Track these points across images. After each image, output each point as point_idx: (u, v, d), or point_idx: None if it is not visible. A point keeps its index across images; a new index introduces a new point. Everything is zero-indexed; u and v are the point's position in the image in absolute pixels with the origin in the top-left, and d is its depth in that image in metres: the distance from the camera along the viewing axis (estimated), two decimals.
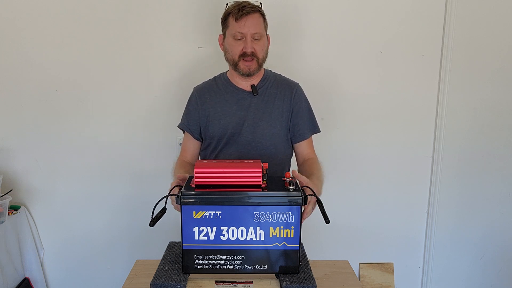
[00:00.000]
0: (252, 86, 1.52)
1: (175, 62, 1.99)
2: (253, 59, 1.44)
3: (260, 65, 1.47)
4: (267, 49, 1.51)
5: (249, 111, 1.50)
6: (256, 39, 1.43)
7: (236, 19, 1.41)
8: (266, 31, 1.50)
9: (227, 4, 1.48)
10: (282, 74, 1.62)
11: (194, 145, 1.58)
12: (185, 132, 1.59)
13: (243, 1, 1.45)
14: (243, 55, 1.43)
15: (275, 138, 1.51)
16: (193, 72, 1.95)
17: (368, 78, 2.06)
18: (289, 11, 1.97)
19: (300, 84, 1.59)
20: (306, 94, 1.59)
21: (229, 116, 1.50)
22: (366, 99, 2.07)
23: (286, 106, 1.52)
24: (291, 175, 1.17)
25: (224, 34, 1.50)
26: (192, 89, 1.61)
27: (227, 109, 1.51)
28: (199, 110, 1.54)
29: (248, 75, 1.47)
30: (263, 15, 1.47)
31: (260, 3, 1.48)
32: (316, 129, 1.60)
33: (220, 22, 1.51)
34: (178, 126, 1.60)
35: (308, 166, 1.48)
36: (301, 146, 1.56)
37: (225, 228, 1.07)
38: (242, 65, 1.44)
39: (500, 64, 2.07)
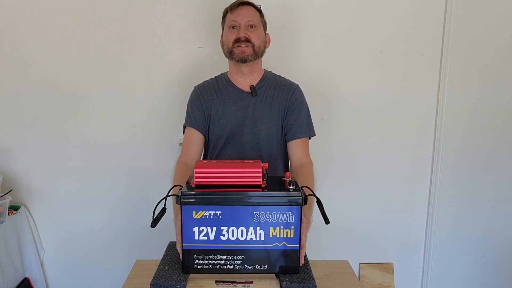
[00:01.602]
0: (251, 87, 1.52)
1: (175, 62, 1.99)
2: (248, 45, 1.43)
3: (256, 53, 1.46)
4: (265, 42, 1.51)
5: (247, 112, 1.50)
6: (250, 26, 1.44)
7: (231, 10, 1.46)
8: (264, 28, 1.52)
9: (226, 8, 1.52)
10: (283, 75, 1.61)
11: (199, 140, 1.53)
12: (188, 129, 1.55)
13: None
14: (237, 41, 1.43)
15: (272, 139, 1.51)
16: (193, 72, 1.95)
17: (368, 78, 2.06)
18: (289, 12, 1.97)
19: (300, 85, 1.59)
20: (306, 95, 1.58)
21: (229, 116, 1.50)
22: (366, 99, 2.07)
23: (282, 107, 1.52)
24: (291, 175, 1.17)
25: (222, 31, 1.52)
26: (192, 89, 1.61)
27: (226, 109, 1.51)
28: (203, 108, 1.54)
29: (243, 61, 1.45)
30: (260, 12, 1.49)
31: (260, 6, 1.51)
32: (311, 132, 1.55)
33: (221, 23, 1.53)
34: (184, 125, 1.57)
35: (302, 176, 1.42)
36: (294, 146, 1.52)
37: (225, 228, 1.07)
38: (237, 50, 1.44)
39: (500, 64, 2.07)
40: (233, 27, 1.45)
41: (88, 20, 1.93)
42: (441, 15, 2.01)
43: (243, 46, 1.43)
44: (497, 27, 2.03)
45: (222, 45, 1.52)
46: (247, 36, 1.43)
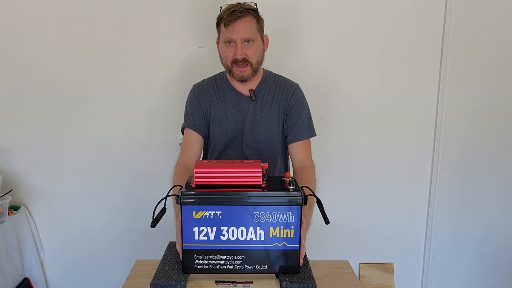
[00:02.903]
0: (251, 91, 1.50)
1: (175, 62, 1.99)
2: (246, 64, 1.41)
3: (254, 70, 1.44)
4: (263, 51, 1.48)
5: (247, 115, 1.49)
6: (247, 42, 1.40)
7: (226, 25, 1.39)
8: (261, 32, 1.47)
9: (221, 7, 1.46)
10: (282, 75, 1.61)
11: (198, 142, 1.52)
12: (187, 131, 1.53)
13: (235, 4, 1.41)
14: (235, 62, 1.41)
15: (273, 142, 1.51)
16: (193, 72, 1.94)
17: (368, 78, 2.06)
18: (289, 12, 1.97)
19: (300, 85, 1.58)
20: (306, 95, 1.58)
21: (229, 120, 1.50)
22: (366, 99, 2.07)
23: (282, 108, 1.51)
24: (291, 176, 1.17)
25: (218, 35, 1.49)
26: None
27: (226, 112, 1.50)
28: (202, 109, 1.52)
29: (243, 80, 1.44)
30: (256, 16, 1.43)
31: (255, 4, 1.45)
32: (311, 133, 1.54)
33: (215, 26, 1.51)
34: (183, 126, 1.56)
35: (303, 178, 1.41)
36: (295, 148, 1.51)
37: (225, 228, 1.07)
38: (236, 71, 1.42)
39: (500, 64, 2.07)
40: (229, 42, 1.41)
41: (88, 20, 1.93)
42: (441, 15, 2.01)
43: (241, 67, 1.41)
44: (497, 27, 2.03)
45: (220, 55, 1.49)
46: (244, 56, 1.40)
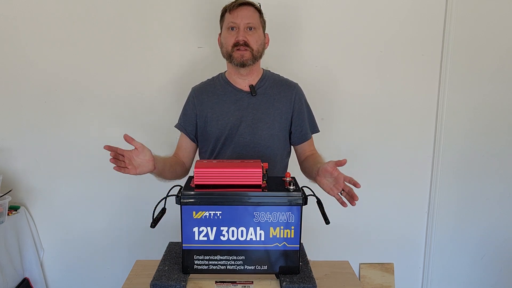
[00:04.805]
0: (251, 86, 1.51)
1: (175, 62, 1.99)
2: (246, 49, 1.43)
3: (254, 57, 1.45)
4: (264, 44, 1.50)
5: (247, 112, 1.49)
6: (249, 29, 1.44)
7: (230, 11, 1.44)
8: (263, 28, 1.51)
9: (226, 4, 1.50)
10: (282, 75, 1.61)
11: (188, 146, 1.58)
12: (181, 135, 1.58)
13: None
14: (236, 45, 1.43)
15: (273, 139, 1.51)
16: (193, 72, 1.95)
17: (368, 78, 2.06)
18: (289, 11, 1.97)
19: (299, 84, 1.59)
20: (306, 94, 1.59)
21: (227, 117, 1.50)
22: (366, 99, 2.07)
23: (286, 107, 1.52)
24: (291, 176, 1.17)
25: (221, 30, 1.52)
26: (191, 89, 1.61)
27: (225, 110, 1.50)
28: (196, 111, 1.53)
29: (242, 65, 1.45)
30: (259, 11, 1.48)
31: (259, 3, 1.49)
32: (315, 129, 1.60)
33: (219, 21, 1.53)
34: (175, 126, 1.60)
35: (313, 160, 1.48)
36: (304, 146, 1.57)
37: (225, 228, 1.07)
38: (236, 54, 1.44)
39: (500, 64, 2.07)
40: (232, 29, 1.44)
41: (88, 20, 1.93)
42: (441, 15, 2.01)
43: (242, 50, 1.43)
44: (497, 27, 2.03)
45: (221, 45, 1.52)
46: (246, 40, 1.42)
